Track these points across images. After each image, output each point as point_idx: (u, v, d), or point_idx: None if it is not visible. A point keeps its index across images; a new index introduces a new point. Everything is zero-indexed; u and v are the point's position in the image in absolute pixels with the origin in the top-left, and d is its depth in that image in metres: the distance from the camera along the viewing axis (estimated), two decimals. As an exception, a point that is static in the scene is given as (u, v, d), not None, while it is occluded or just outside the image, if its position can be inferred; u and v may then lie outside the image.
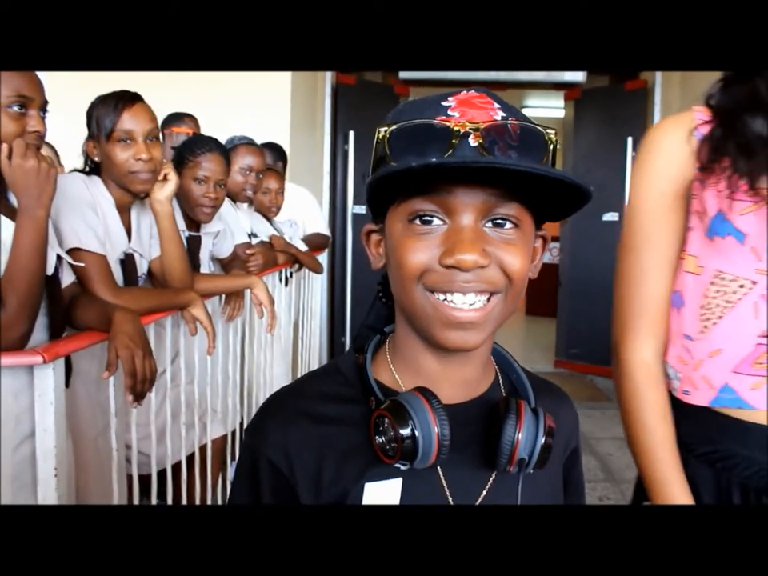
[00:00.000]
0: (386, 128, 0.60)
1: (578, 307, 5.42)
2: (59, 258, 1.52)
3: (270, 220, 3.08)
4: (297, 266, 3.21)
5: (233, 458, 2.48)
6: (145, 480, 1.91)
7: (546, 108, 7.88)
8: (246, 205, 2.89)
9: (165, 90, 3.23)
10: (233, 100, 3.84)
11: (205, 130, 2.85)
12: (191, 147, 2.24)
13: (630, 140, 5.04)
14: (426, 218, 0.61)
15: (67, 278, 1.60)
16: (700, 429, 0.98)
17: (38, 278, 1.36)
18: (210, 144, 2.25)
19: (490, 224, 0.61)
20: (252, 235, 2.79)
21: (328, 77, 5.01)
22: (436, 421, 0.60)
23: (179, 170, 2.20)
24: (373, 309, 0.76)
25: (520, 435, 0.63)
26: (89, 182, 1.77)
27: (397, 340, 0.71)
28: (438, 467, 0.66)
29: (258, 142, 2.85)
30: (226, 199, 2.45)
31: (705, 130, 0.94)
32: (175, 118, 3.01)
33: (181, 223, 2.23)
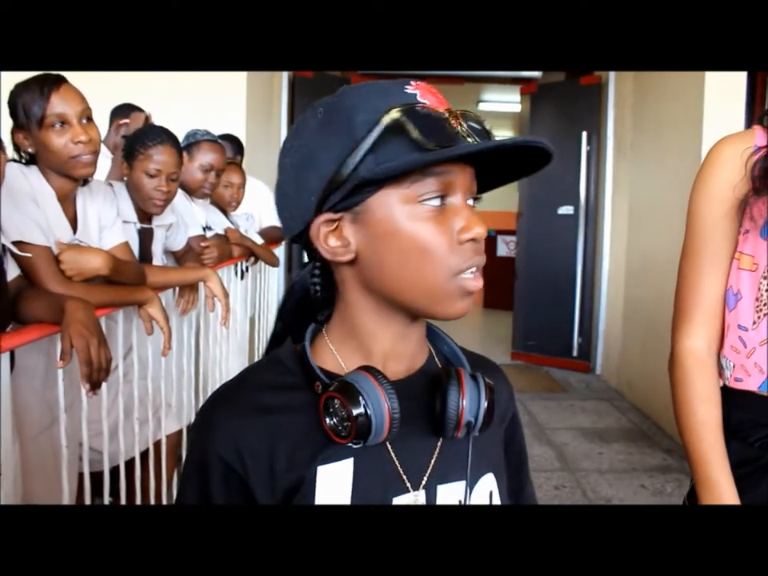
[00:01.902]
0: (399, 108, 0.61)
1: (535, 300, 5.49)
2: (3, 248, 1.47)
3: (225, 213, 3.04)
4: (253, 259, 3.18)
5: (188, 454, 2.44)
6: (97, 477, 1.87)
7: (502, 102, 7.95)
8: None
9: (119, 81, 3.17)
10: (188, 92, 3.77)
11: (160, 122, 2.79)
12: (142, 139, 2.15)
13: (584, 134, 5.12)
14: (437, 199, 0.64)
15: (12, 272, 1.55)
16: (752, 416, 1.07)
17: None
18: (162, 136, 2.16)
19: (469, 201, 0.66)
20: (207, 228, 2.75)
21: (285, 76, 4.97)
22: (385, 396, 0.62)
23: (130, 162, 2.14)
24: (291, 299, 0.74)
25: (464, 401, 0.67)
26: (27, 171, 1.69)
27: (348, 329, 0.71)
28: (387, 442, 0.67)
29: (215, 134, 2.81)
30: (180, 191, 2.41)
31: (760, 150, 1.04)
32: (124, 111, 2.94)
33: (132, 215, 2.18)
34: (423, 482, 0.69)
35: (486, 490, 0.73)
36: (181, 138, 2.45)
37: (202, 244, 2.57)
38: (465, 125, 0.63)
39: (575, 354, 5.28)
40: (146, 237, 2.25)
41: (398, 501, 0.67)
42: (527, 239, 5.58)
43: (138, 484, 2.05)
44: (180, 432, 2.39)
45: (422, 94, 0.64)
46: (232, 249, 2.85)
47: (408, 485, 0.68)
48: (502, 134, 9.96)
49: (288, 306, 0.74)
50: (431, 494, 0.69)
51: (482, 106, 8.22)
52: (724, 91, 3.40)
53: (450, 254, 0.63)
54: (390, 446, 0.68)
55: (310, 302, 0.73)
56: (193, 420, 2.44)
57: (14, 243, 1.55)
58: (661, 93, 4.17)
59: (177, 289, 2.35)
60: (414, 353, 0.73)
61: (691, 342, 1.08)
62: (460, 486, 0.70)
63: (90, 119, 1.72)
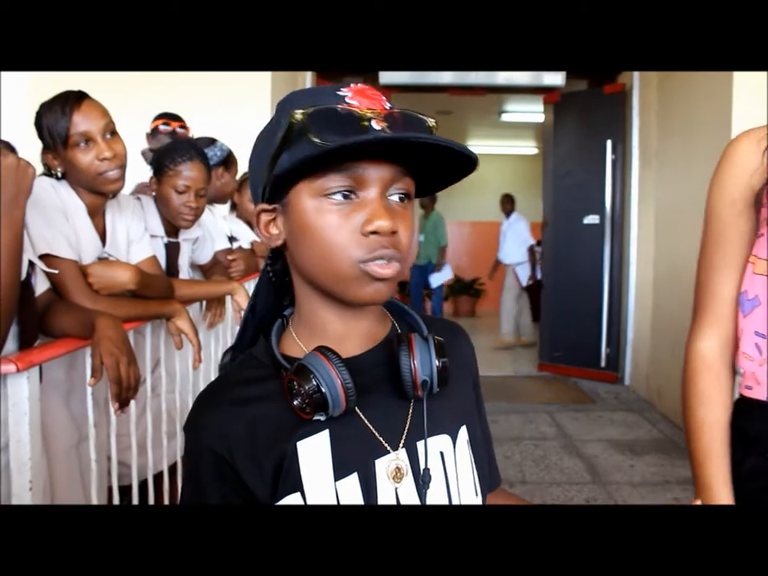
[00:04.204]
0: (302, 111, 0.66)
1: (561, 311, 5.43)
2: (31, 264, 1.47)
3: (251, 225, 3.05)
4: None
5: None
6: (125, 491, 1.86)
7: (525, 113, 7.91)
8: (227, 209, 2.85)
9: (145, 89, 3.21)
10: (213, 100, 3.83)
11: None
12: (171, 155, 2.15)
13: (609, 143, 5.08)
14: (345, 192, 0.68)
15: (41, 286, 1.55)
16: (763, 426, 1.03)
17: (14, 284, 1.31)
18: (191, 152, 2.16)
19: (391, 197, 0.70)
20: (232, 239, 2.76)
21: (308, 79, 4.99)
22: (335, 370, 0.68)
23: (158, 178, 2.15)
24: (259, 294, 0.82)
25: (415, 362, 0.72)
26: (57, 186, 1.70)
27: (302, 315, 0.78)
28: (358, 410, 0.73)
29: (238, 142, 2.81)
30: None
31: None
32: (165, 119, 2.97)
33: (160, 229, 2.19)
34: (402, 442, 0.74)
35: (465, 441, 0.79)
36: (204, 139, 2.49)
37: (229, 257, 2.58)
38: (388, 125, 0.66)
39: (603, 364, 5.21)
40: (172, 251, 2.26)
41: (379, 462, 0.72)
42: (553, 249, 5.53)
43: (167, 498, 2.04)
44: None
45: (353, 96, 0.68)
46: (258, 261, 2.85)
47: (387, 446, 0.73)
48: (526, 144, 9.90)
49: (259, 295, 0.81)
50: (412, 451, 0.74)
51: (504, 117, 8.18)
52: (754, 93, 3.34)
53: (351, 244, 0.68)
54: (362, 414, 0.73)
55: (275, 289, 0.81)
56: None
57: (42, 257, 1.55)
58: (687, 98, 4.12)
59: (204, 302, 2.35)
60: (372, 329, 0.78)
61: (700, 344, 1.07)
62: (439, 439, 0.76)
63: (114, 133, 1.72)
